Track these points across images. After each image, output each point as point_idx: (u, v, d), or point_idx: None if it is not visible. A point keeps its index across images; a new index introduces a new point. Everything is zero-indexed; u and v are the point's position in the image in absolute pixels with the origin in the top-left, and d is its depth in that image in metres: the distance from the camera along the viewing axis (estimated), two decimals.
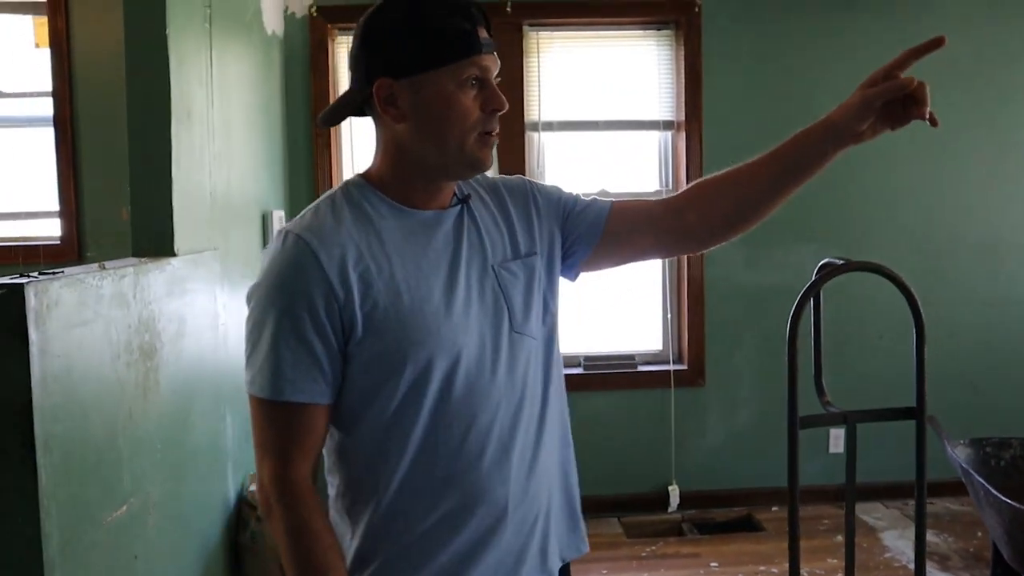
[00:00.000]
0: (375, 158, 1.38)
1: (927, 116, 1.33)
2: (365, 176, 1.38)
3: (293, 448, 1.27)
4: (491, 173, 1.47)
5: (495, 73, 1.31)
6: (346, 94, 1.38)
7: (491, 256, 1.38)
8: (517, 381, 1.36)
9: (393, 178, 1.34)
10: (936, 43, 1.31)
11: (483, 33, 1.29)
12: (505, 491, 1.33)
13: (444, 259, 1.34)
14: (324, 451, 1.37)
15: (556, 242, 1.48)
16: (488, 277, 1.36)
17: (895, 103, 1.33)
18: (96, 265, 1.86)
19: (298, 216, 1.34)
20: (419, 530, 1.31)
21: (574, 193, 1.55)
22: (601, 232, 1.48)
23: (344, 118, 1.40)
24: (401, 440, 1.29)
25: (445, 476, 1.31)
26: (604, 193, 4.12)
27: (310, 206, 1.36)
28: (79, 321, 1.71)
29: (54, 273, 1.67)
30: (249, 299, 1.29)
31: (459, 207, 1.39)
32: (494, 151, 1.38)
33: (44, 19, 3.71)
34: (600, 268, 1.55)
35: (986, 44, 4.17)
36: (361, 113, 1.38)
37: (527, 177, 1.56)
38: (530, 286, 1.41)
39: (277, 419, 1.27)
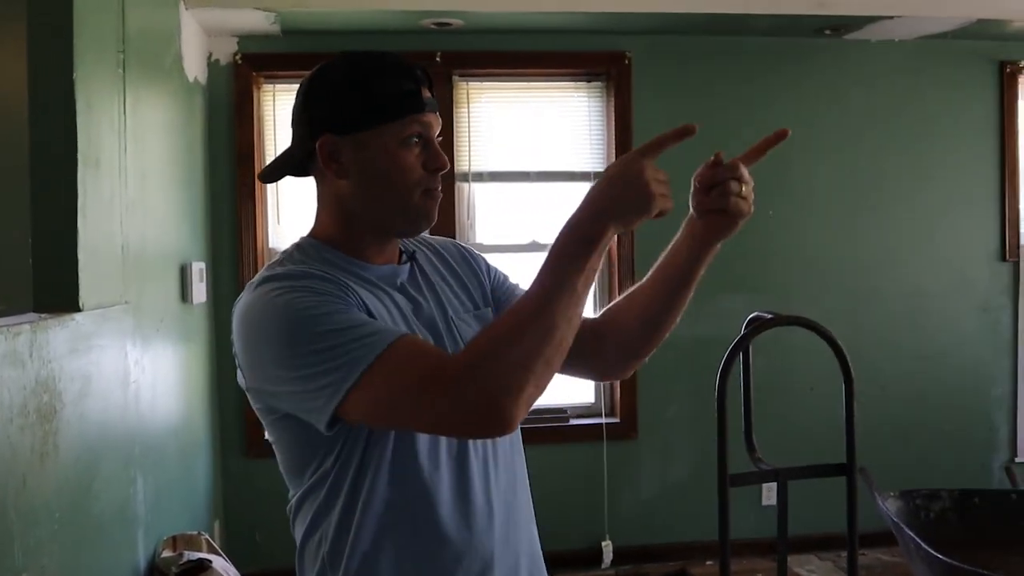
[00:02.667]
0: (319, 217, 1.38)
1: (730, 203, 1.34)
2: (313, 236, 1.38)
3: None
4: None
5: (437, 132, 1.35)
6: (288, 151, 1.38)
7: (448, 309, 1.40)
8: None
9: (343, 234, 1.35)
10: (781, 135, 1.35)
11: (426, 93, 1.32)
12: (491, 540, 1.33)
13: (410, 313, 1.35)
14: (304, 501, 1.33)
15: (496, 307, 1.52)
16: (450, 330, 1.38)
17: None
18: None
19: (265, 271, 1.30)
20: None
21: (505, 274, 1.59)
22: None
23: (284, 175, 1.40)
24: (386, 487, 1.28)
25: (432, 531, 1.30)
26: (535, 244, 4.09)
27: (270, 263, 1.34)
28: None
29: None
30: (268, 353, 1.21)
31: (408, 263, 1.42)
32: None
33: None
34: None
35: (908, 98, 4.27)
36: (302, 172, 1.38)
37: (455, 240, 1.61)
38: None
39: (403, 351, 1.16)
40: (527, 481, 1.48)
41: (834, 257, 4.25)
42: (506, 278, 1.58)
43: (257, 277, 1.30)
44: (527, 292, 1.17)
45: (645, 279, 1.47)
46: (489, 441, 1.37)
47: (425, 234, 1.52)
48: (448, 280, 1.47)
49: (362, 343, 1.15)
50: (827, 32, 4.05)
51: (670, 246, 1.43)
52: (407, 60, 1.33)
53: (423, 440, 1.29)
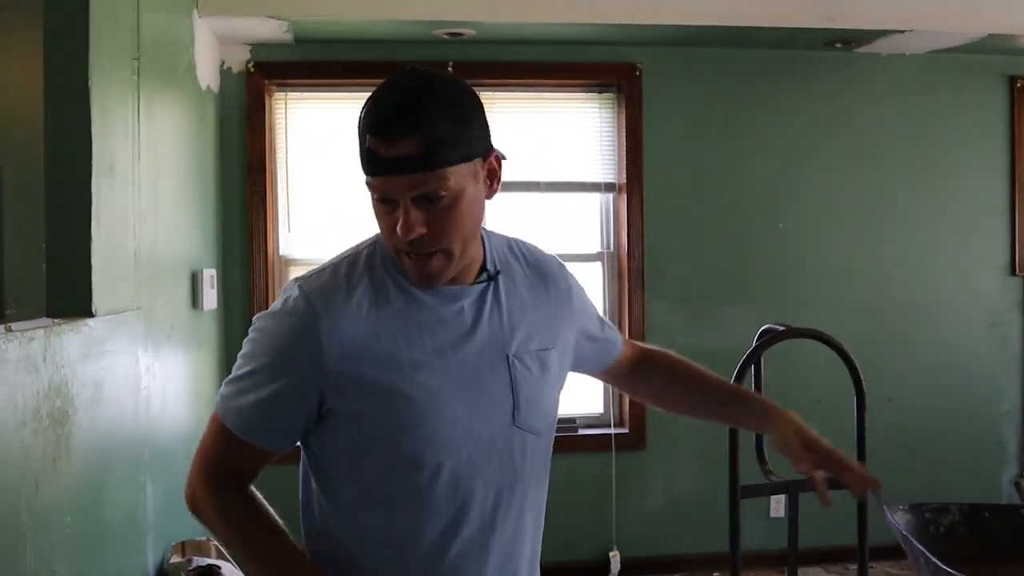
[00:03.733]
0: None
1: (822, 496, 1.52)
2: None
3: (228, 472, 1.35)
4: None
5: (409, 195, 1.17)
6: None
7: (510, 343, 1.31)
8: (505, 476, 1.30)
9: None
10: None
11: (390, 151, 1.15)
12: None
13: (452, 339, 1.27)
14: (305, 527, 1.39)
15: (570, 350, 1.46)
16: (501, 364, 1.29)
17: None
18: (1, 327, 1.75)
19: (316, 270, 1.30)
20: None
21: (597, 313, 1.60)
22: (605, 367, 1.60)
23: None
24: (375, 523, 1.28)
25: (421, 565, 1.27)
26: None
27: (331, 260, 1.32)
28: None
29: None
30: (253, 326, 1.30)
31: (486, 284, 1.32)
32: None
33: None
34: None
35: (918, 112, 4.27)
36: None
37: (568, 272, 1.54)
38: (542, 381, 1.34)
39: (229, 446, 1.33)
40: (542, 499, 1.42)
41: (843, 270, 4.24)
42: (600, 326, 1.57)
43: (312, 271, 1.31)
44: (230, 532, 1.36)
45: (704, 382, 1.65)
46: (505, 483, 1.31)
47: (532, 245, 1.50)
48: (527, 309, 1.36)
49: (233, 399, 1.31)
50: (837, 45, 4.05)
51: (744, 397, 1.72)
52: (387, 109, 1.18)
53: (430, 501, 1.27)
